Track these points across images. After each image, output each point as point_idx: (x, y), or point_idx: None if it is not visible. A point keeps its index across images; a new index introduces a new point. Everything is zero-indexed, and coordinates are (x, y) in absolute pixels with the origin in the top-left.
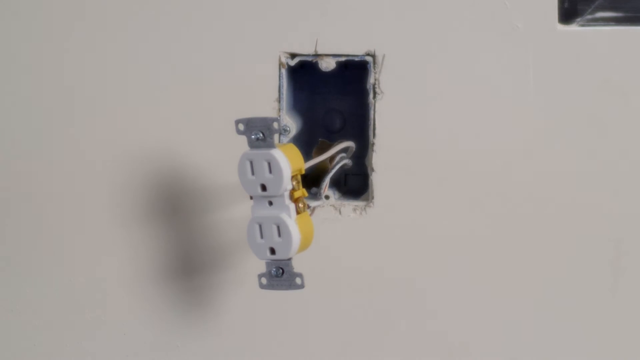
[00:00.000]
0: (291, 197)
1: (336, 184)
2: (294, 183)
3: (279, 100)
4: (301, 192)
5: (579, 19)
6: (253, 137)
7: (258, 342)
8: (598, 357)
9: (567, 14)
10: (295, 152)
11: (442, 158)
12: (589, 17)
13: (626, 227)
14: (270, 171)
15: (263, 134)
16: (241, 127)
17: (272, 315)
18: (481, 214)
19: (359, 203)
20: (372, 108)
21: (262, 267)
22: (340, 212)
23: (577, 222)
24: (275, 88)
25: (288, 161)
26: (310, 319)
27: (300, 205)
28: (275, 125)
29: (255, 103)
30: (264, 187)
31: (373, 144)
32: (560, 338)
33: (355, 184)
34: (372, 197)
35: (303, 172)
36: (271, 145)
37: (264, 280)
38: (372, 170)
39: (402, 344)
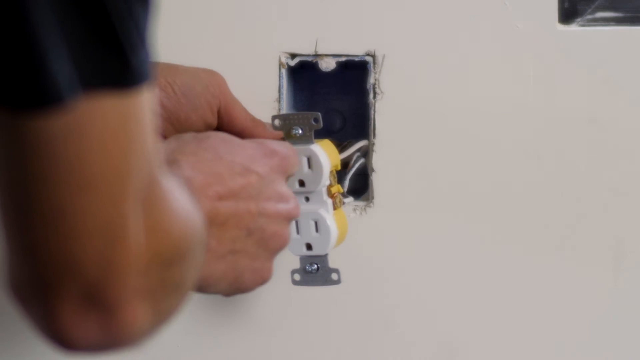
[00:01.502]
0: (328, 192)
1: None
2: (331, 178)
3: (279, 100)
4: (337, 187)
5: (579, 19)
6: (292, 132)
7: (256, 341)
8: (598, 357)
9: (567, 14)
10: (332, 148)
11: (442, 158)
12: (589, 17)
13: (626, 227)
14: (309, 166)
15: (302, 130)
16: (277, 123)
17: (271, 315)
18: (481, 214)
19: (359, 203)
20: (372, 108)
21: None
22: None
23: (577, 222)
24: (275, 88)
25: (327, 156)
26: (309, 319)
27: (337, 200)
28: (314, 121)
29: (255, 103)
30: (301, 183)
31: (373, 144)
32: (560, 338)
33: (355, 184)
34: (372, 197)
35: (339, 167)
36: (310, 141)
37: (297, 277)
38: (372, 170)
39: (402, 343)
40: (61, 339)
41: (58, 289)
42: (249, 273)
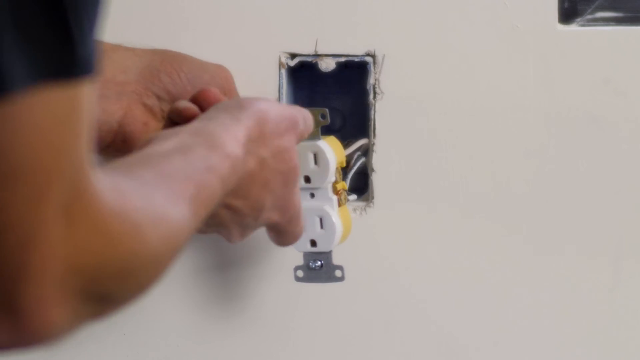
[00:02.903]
0: (333, 189)
1: None
2: (336, 175)
3: (279, 100)
4: (342, 184)
5: (579, 19)
6: None
7: (257, 339)
8: (598, 356)
9: (567, 14)
10: (338, 144)
11: (442, 158)
12: (589, 17)
13: (626, 227)
14: (315, 163)
15: None
16: None
17: (273, 313)
18: (481, 214)
19: (359, 203)
20: (372, 108)
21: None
22: None
23: (576, 223)
24: (275, 88)
25: (333, 153)
26: (309, 319)
27: (342, 197)
28: (322, 117)
29: None
30: (307, 179)
31: (373, 143)
32: (560, 337)
33: (355, 184)
34: (372, 197)
35: (344, 164)
36: (317, 137)
37: (300, 273)
38: (372, 170)
39: (401, 343)
40: None
41: None
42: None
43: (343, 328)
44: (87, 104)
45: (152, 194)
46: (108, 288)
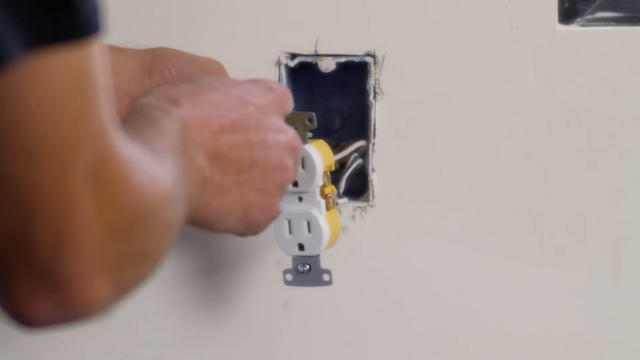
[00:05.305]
0: (321, 193)
1: (335, 183)
2: (324, 179)
3: None
4: (331, 188)
5: (579, 19)
6: None
7: (255, 343)
8: (598, 357)
9: (567, 14)
10: (326, 149)
11: (442, 158)
12: (589, 17)
13: (626, 228)
14: (303, 166)
15: (296, 129)
16: None
17: (272, 316)
18: (481, 214)
19: (359, 203)
20: (372, 108)
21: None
22: (340, 212)
23: (576, 223)
24: None
25: (321, 157)
26: (309, 319)
27: (330, 201)
28: (309, 121)
29: None
30: (295, 183)
31: (373, 143)
32: (560, 338)
33: (355, 184)
34: (372, 197)
35: (333, 168)
36: (304, 141)
37: (289, 277)
38: (372, 170)
39: (402, 343)
40: (17, 317)
41: (9, 265)
42: (257, 208)
43: (341, 330)
44: (98, 64)
45: (143, 139)
46: (140, 241)
